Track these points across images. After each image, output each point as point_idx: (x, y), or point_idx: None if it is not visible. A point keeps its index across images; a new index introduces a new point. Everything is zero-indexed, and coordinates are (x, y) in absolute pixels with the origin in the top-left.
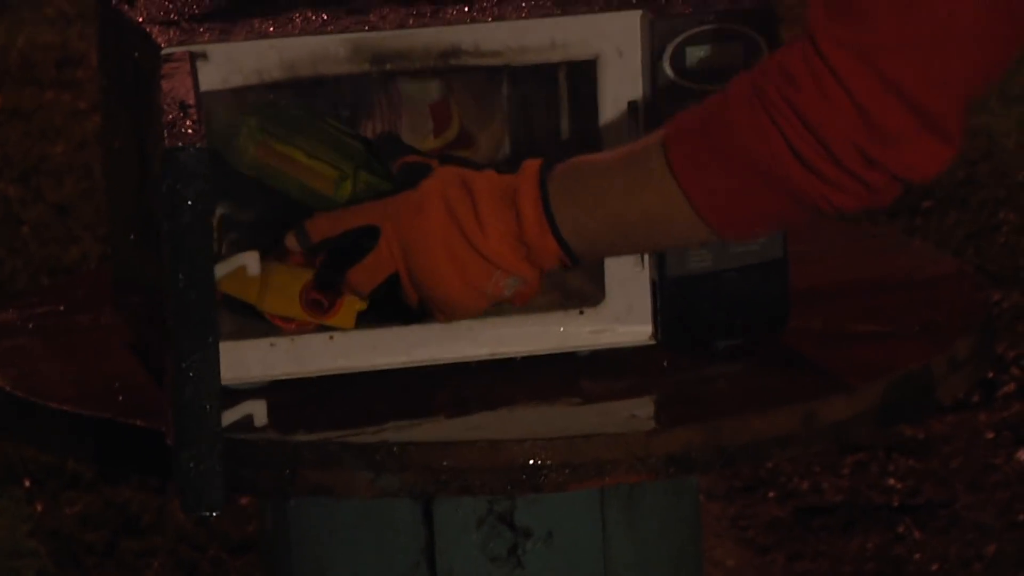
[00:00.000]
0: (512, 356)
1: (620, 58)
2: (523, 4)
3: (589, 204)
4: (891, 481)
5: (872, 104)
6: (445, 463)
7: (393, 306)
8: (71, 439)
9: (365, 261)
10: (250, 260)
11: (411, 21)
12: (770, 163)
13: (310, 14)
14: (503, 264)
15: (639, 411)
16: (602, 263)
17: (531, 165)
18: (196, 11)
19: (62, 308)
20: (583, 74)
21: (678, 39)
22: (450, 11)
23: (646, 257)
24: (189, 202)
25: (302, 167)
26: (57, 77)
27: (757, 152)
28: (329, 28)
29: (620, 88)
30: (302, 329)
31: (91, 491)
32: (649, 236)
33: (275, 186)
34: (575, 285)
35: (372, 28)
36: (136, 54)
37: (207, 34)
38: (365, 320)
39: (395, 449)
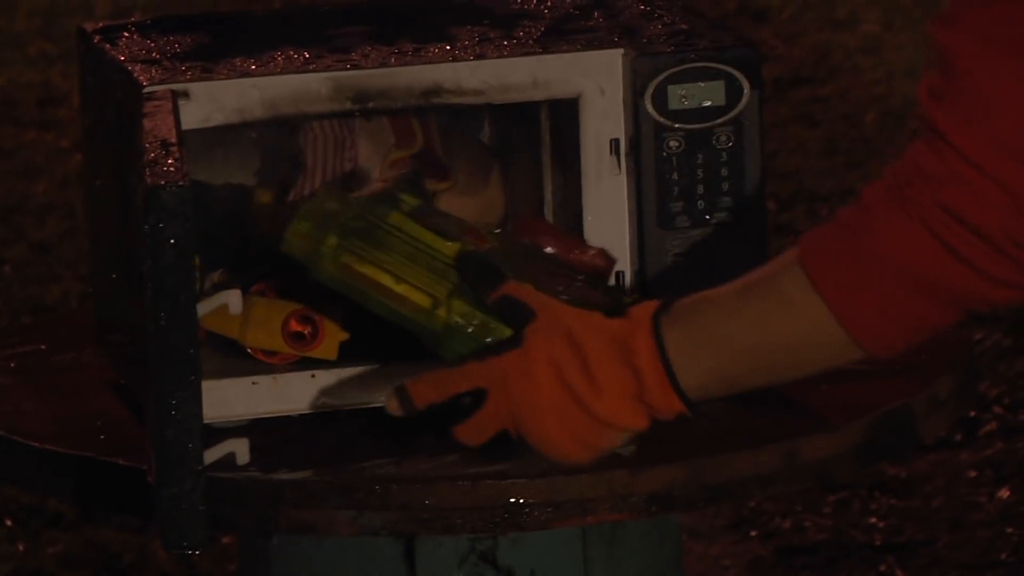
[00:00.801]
0: None
1: (602, 96)
2: (505, 43)
3: (715, 346)
4: (873, 520)
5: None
6: (427, 502)
7: (378, 341)
8: (53, 478)
9: (474, 419)
10: (232, 298)
11: (393, 60)
12: (925, 269)
13: (292, 52)
14: (620, 424)
15: (621, 449)
16: None
17: (642, 313)
18: (178, 50)
19: (44, 347)
20: (565, 112)
21: (659, 78)
22: (432, 50)
23: None
24: (171, 241)
25: (390, 292)
26: (39, 116)
27: (909, 259)
28: (311, 67)
29: (602, 126)
30: (284, 367)
31: (73, 531)
32: (789, 365)
33: (359, 303)
34: None
35: (354, 67)
36: (118, 93)
37: (189, 72)
38: (348, 353)
39: (377, 488)
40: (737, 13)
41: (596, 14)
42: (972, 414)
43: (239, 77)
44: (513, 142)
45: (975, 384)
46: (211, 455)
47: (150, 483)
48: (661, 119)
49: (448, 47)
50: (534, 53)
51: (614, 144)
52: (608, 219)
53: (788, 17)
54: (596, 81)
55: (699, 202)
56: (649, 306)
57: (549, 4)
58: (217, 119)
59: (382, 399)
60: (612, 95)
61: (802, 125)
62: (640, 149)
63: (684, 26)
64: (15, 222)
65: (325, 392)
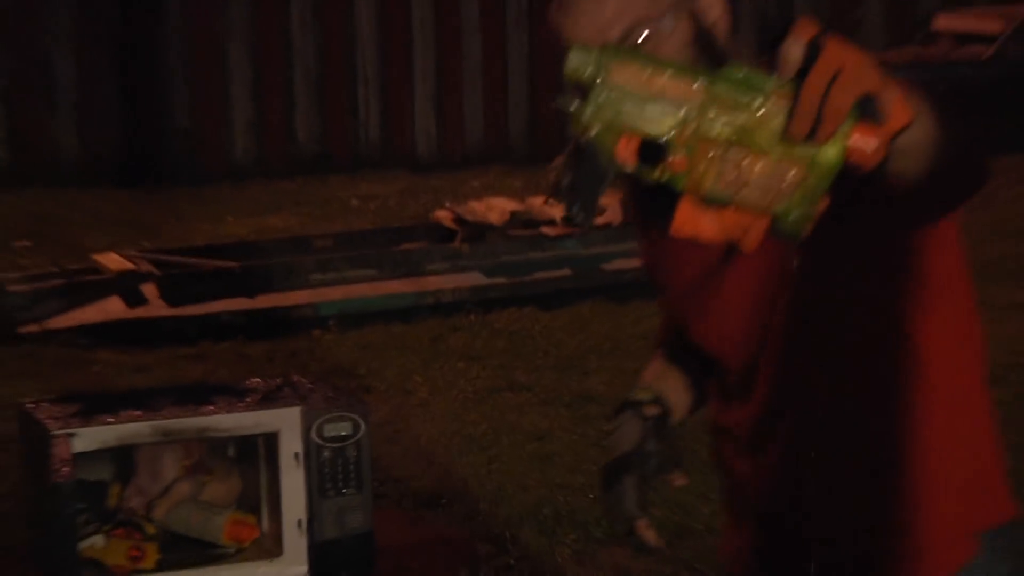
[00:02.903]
0: None
1: (290, 431)
2: (240, 404)
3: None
4: None
5: None
6: None
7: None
8: None
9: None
10: (98, 541)
11: (185, 414)
12: None
13: (132, 411)
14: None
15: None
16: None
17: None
18: (72, 413)
19: None
20: (272, 439)
21: (319, 420)
22: (205, 408)
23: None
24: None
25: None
26: None
27: None
28: (141, 419)
29: (290, 446)
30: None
31: None
32: None
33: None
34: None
35: (163, 419)
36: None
37: (76, 422)
38: (161, 567)
39: None
40: None
41: (286, 390)
42: None
43: (100, 426)
44: (247, 454)
45: None
46: None
47: None
48: (319, 441)
49: (212, 407)
50: (256, 409)
51: (296, 455)
52: (293, 494)
53: None
54: (288, 422)
55: (340, 485)
56: None
57: (260, 383)
58: (92, 447)
59: None
60: (294, 430)
61: None
62: (309, 456)
63: (331, 393)
64: None
65: None
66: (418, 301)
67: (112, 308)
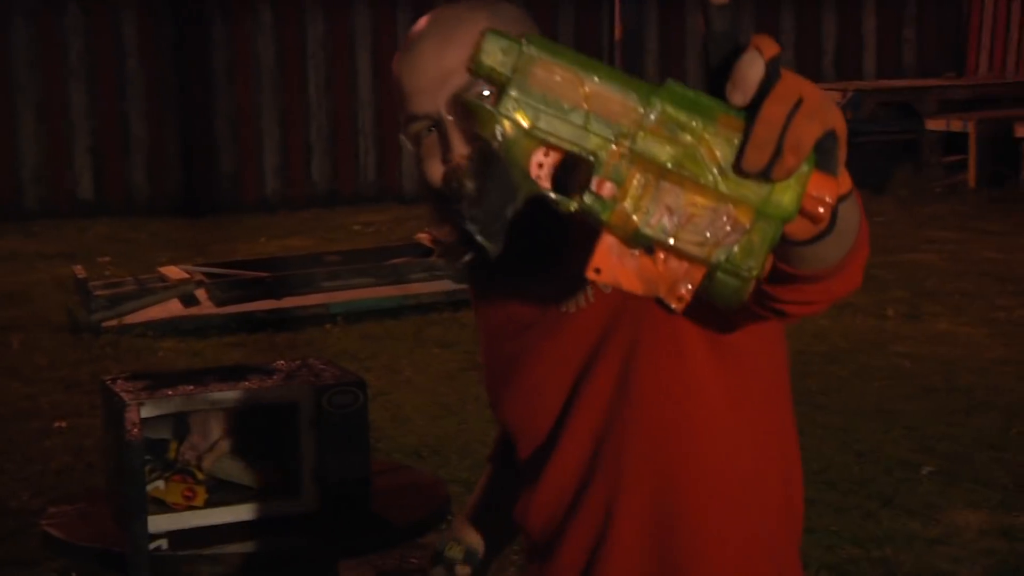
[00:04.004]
0: None
1: (307, 401)
2: (272, 377)
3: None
4: None
5: None
6: None
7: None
8: None
9: (776, 89)
10: (160, 484)
11: (228, 387)
12: None
13: (185, 387)
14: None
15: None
16: None
17: None
18: (141, 388)
19: None
20: (294, 407)
21: (329, 393)
22: (244, 383)
23: None
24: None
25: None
26: None
27: None
28: (193, 392)
29: (307, 413)
30: (183, 508)
31: None
32: None
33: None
34: None
35: (210, 392)
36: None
37: (144, 394)
38: (209, 503)
39: None
40: None
41: (304, 370)
42: None
43: (162, 397)
44: (275, 419)
45: None
46: None
47: None
48: (329, 409)
49: (248, 383)
50: (281, 385)
51: (311, 420)
52: (309, 449)
53: None
54: (305, 395)
55: (344, 442)
56: None
57: (284, 364)
58: (152, 413)
59: None
60: (310, 400)
61: None
62: (321, 420)
63: (338, 372)
64: None
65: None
66: (404, 302)
67: (173, 308)
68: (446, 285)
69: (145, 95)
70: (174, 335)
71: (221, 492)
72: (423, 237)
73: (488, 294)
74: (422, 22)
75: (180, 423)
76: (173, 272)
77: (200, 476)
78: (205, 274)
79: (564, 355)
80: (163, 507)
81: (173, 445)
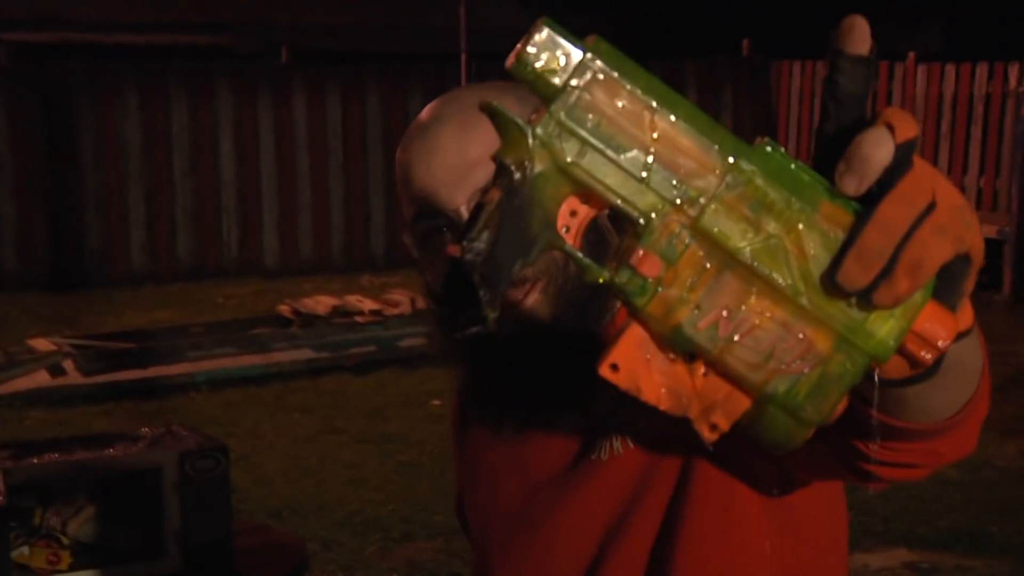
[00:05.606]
0: None
1: (171, 466)
2: (137, 444)
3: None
4: None
5: None
6: None
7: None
8: None
9: (903, 183)
10: (23, 550)
11: (93, 454)
12: None
13: (51, 454)
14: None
15: None
16: None
17: None
18: (7, 456)
19: None
20: (158, 472)
21: (192, 458)
22: (109, 450)
23: None
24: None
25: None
26: None
27: None
28: (58, 460)
29: (170, 477)
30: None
31: None
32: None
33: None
34: None
35: (75, 459)
36: None
37: (9, 462)
38: (72, 567)
39: None
40: None
41: (168, 437)
42: None
43: (28, 465)
44: (139, 483)
45: None
46: None
47: None
48: (192, 473)
49: (112, 450)
50: (145, 451)
51: (174, 483)
52: (172, 511)
53: None
54: (169, 460)
55: (207, 504)
56: None
57: (149, 431)
58: (20, 481)
59: None
60: (173, 465)
61: None
62: (184, 484)
63: (201, 438)
64: None
65: None
66: (266, 370)
67: (40, 379)
68: (307, 353)
69: (13, 178)
70: (42, 405)
71: (86, 556)
72: (284, 309)
73: (493, 425)
74: (435, 106)
75: (45, 490)
76: (41, 344)
77: (65, 541)
78: (73, 345)
79: (590, 511)
80: (28, 572)
81: (38, 512)
